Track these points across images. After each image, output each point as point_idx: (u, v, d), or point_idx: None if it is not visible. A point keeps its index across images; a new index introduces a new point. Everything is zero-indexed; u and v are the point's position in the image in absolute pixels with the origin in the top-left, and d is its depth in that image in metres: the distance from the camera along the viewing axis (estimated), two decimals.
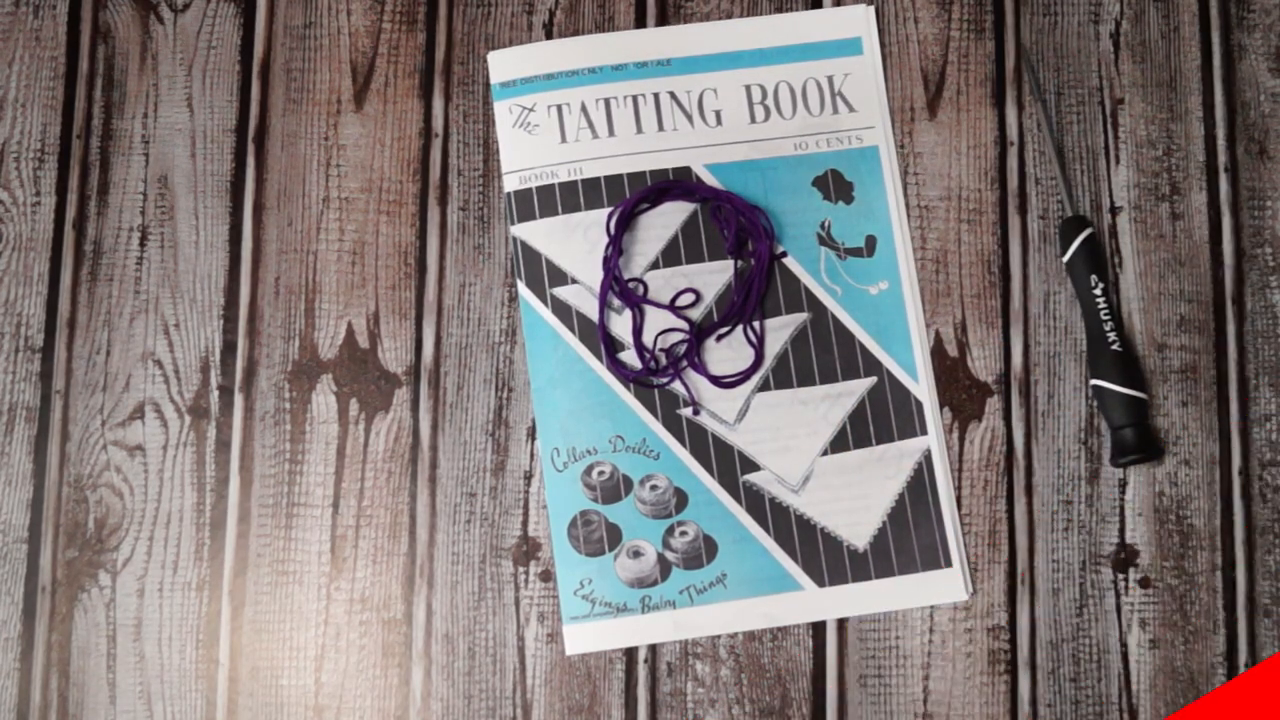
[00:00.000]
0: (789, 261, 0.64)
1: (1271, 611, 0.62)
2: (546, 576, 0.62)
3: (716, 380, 0.63)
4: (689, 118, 0.66)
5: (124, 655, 0.62)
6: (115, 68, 0.66)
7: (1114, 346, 0.62)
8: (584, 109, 0.65)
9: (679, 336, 0.64)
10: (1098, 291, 0.62)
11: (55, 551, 0.63)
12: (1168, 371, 0.64)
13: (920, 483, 0.63)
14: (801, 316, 0.64)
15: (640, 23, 0.67)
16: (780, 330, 0.64)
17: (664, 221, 0.65)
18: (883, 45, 0.66)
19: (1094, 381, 0.62)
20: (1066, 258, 0.63)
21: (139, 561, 0.63)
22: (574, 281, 0.64)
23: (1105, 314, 0.62)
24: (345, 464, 0.63)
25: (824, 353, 0.64)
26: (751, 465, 0.63)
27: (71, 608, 0.62)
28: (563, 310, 0.64)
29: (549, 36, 0.66)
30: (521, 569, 0.62)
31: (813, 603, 0.62)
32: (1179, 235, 0.65)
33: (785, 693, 0.62)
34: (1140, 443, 0.61)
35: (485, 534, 0.63)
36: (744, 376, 0.63)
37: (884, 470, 0.63)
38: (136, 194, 0.65)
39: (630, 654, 0.62)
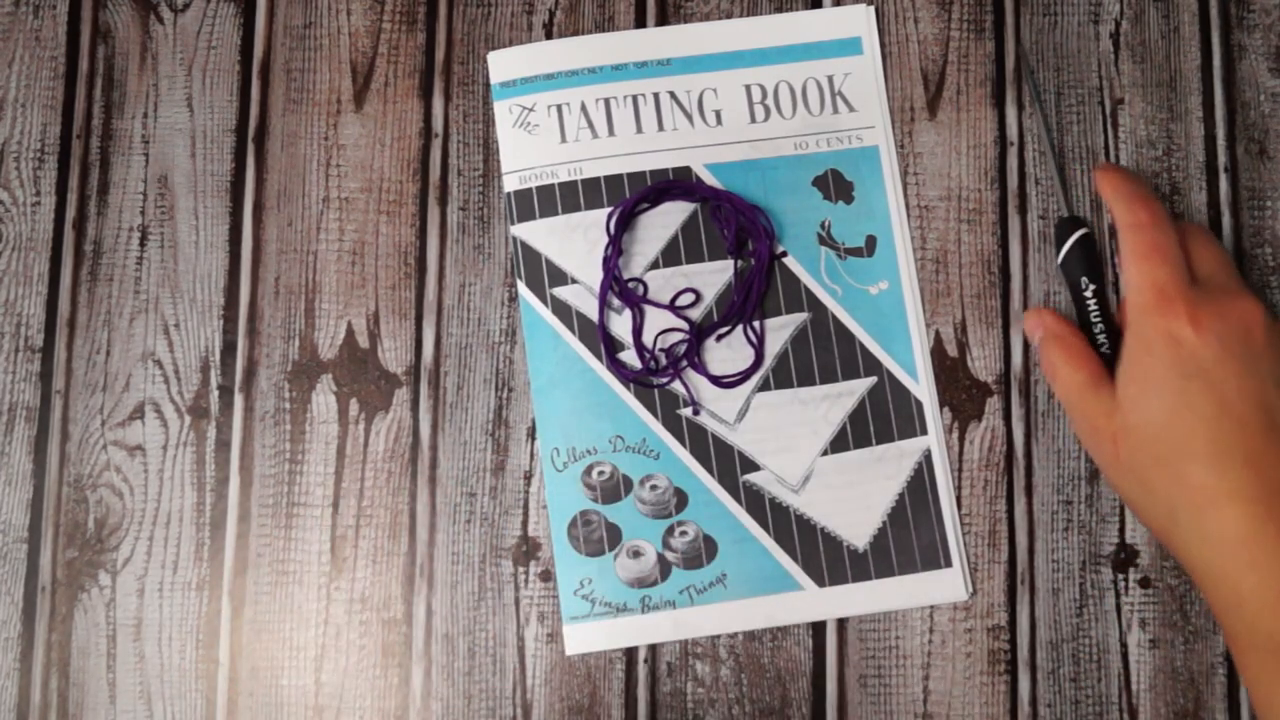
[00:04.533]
0: (789, 261, 0.64)
1: None
2: (546, 576, 0.62)
3: (716, 380, 0.63)
4: (689, 117, 0.66)
5: (124, 655, 0.62)
6: (115, 68, 0.66)
7: (1103, 349, 0.61)
8: (584, 109, 0.65)
9: (679, 336, 0.64)
10: (1088, 294, 0.62)
11: (55, 551, 0.63)
12: None
13: (920, 483, 0.63)
14: (801, 316, 0.64)
15: (640, 23, 0.67)
16: (780, 330, 0.64)
17: (664, 221, 0.65)
18: (883, 45, 0.66)
19: None
20: (1060, 258, 0.63)
21: (139, 561, 0.63)
22: (574, 281, 0.64)
23: (1095, 315, 0.62)
24: (345, 464, 0.63)
25: (824, 353, 0.64)
26: (751, 465, 0.63)
27: (71, 608, 0.62)
28: (563, 310, 0.64)
29: (549, 36, 0.66)
30: (521, 569, 0.62)
31: (813, 603, 0.62)
32: None
33: (785, 693, 0.62)
34: None
35: (485, 534, 0.63)
36: (744, 376, 0.63)
37: (884, 470, 0.63)
38: (136, 194, 0.65)
39: (630, 654, 0.62)
